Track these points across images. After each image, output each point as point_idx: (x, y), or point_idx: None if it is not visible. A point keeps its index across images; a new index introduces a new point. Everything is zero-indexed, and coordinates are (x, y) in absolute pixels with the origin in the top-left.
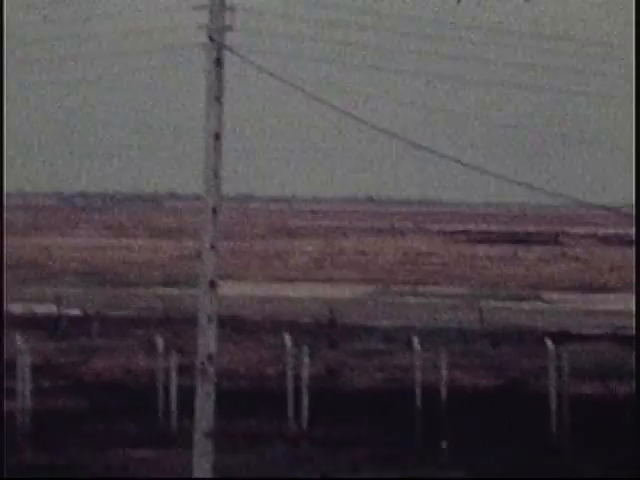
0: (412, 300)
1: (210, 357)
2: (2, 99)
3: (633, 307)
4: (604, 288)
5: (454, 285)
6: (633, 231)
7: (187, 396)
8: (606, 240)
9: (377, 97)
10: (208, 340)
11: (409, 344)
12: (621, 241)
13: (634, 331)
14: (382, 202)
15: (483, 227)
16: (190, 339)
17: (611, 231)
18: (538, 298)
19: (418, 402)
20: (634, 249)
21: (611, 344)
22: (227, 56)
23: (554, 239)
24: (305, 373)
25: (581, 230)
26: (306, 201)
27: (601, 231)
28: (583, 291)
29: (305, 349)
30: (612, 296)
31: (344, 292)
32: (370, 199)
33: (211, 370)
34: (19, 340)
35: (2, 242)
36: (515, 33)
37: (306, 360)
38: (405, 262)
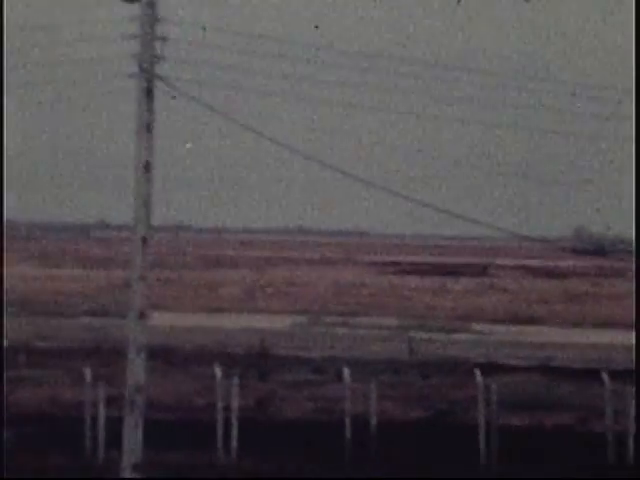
0: (343, 331)
1: (139, 388)
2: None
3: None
4: (532, 319)
5: (384, 316)
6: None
7: (115, 427)
8: (534, 272)
9: (312, 128)
10: (137, 371)
11: (340, 375)
12: (549, 273)
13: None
14: (313, 232)
15: (413, 258)
16: (119, 370)
17: (539, 263)
18: (467, 329)
19: (348, 433)
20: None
21: (539, 375)
22: (159, 86)
23: (483, 271)
24: (235, 404)
25: (510, 262)
26: (237, 231)
27: (530, 263)
28: (511, 322)
29: (235, 380)
30: (540, 328)
31: (275, 323)
32: (301, 229)
33: (139, 401)
34: None
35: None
36: (462, 69)
37: (236, 391)
38: (336, 293)
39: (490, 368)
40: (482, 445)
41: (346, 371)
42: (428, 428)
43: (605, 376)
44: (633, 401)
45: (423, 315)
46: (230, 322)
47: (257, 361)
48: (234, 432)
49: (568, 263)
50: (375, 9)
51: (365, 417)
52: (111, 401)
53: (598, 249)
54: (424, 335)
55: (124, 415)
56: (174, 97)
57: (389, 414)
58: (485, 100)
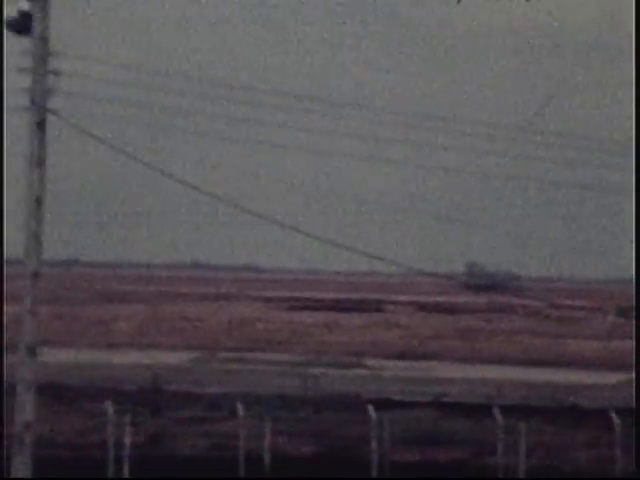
0: (237, 367)
1: (28, 425)
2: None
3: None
4: (425, 355)
5: (279, 352)
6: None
7: (3, 465)
8: (428, 307)
9: (207, 164)
10: (26, 408)
11: (234, 411)
12: (442, 309)
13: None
14: (208, 267)
15: (308, 294)
16: (8, 407)
17: (432, 299)
18: (361, 365)
19: (242, 469)
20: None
21: (432, 411)
22: (51, 120)
23: (377, 306)
24: (127, 441)
25: (403, 298)
26: (131, 266)
27: (423, 299)
28: (405, 358)
29: (127, 417)
30: (433, 363)
31: (169, 358)
32: (196, 264)
33: (28, 439)
34: None
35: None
36: (353, 105)
37: (128, 428)
38: (230, 328)
39: (383, 404)
40: None
41: (240, 407)
42: (321, 464)
43: (497, 411)
44: (523, 436)
45: (317, 351)
46: (123, 358)
47: (150, 397)
48: (125, 469)
49: (460, 299)
50: (275, 48)
51: (259, 453)
52: None
53: (490, 284)
54: (318, 371)
55: (13, 453)
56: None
57: (283, 450)
58: (375, 135)
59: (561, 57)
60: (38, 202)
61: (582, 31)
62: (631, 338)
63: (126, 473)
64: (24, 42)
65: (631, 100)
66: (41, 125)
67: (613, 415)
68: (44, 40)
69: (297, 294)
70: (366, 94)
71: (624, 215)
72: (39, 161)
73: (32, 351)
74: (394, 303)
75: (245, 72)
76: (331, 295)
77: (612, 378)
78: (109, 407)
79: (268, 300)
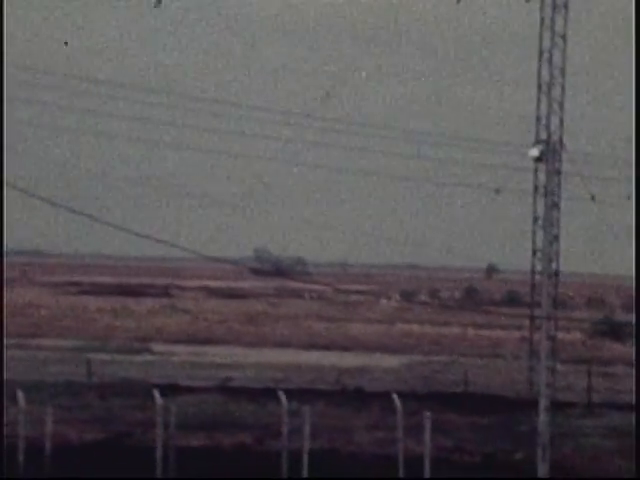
0: (19, 353)
1: None
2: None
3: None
4: (212, 340)
5: (62, 338)
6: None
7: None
8: (215, 292)
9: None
10: None
11: (14, 398)
12: (229, 294)
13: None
14: None
15: (94, 278)
16: None
17: (220, 284)
18: (147, 350)
19: (21, 457)
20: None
21: (218, 396)
22: None
23: (165, 291)
24: None
25: (192, 283)
26: None
27: (211, 284)
28: (192, 343)
29: None
30: (220, 348)
31: None
32: None
33: None
34: None
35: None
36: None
37: None
38: (11, 314)
39: (170, 389)
40: (159, 466)
41: (20, 394)
42: (105, 450)
43: (282, 395)
44: (308, 419)
45: (103, 336)
46: None
47: None
48: None
49: (248, 284)
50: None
51: (40, 441)
52: None
53: (277, 270)
54: (104, 357)
55: None
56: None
57: (65, 437)
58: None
59: (346, 44)
60: None
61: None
62: (414, 322)
63: None
64: None
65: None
66: None
67: (395, 398)
68: None
69: (85, 279)
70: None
71: (405, 202)
72: None
73: None
74: (183, 288)
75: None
76: (119, 280)
77: (395, 361)
78: None
79: (55, 285)
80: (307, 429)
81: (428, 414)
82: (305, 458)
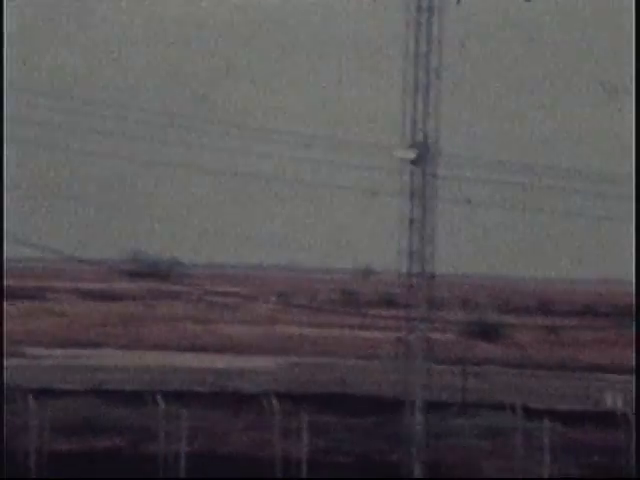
0: None
1: None
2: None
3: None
4: (87, 343)
5: None
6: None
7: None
8: (91, 295)
9: None
10: None
11: None
12: (105, 296)
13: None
14: None
15: None
16: None
17: (94, 286)
18: (21, 354)
19: None
20: (634, 323)
21: (93, 399)
22: None
23: (38, 294)
24: None
25: (67, 285)
26: None
27: (85, 286)
28: (66, 346)
29: None
30: (96, 351)
31: None
32: None
33: None
34: None
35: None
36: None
37: None
38: None
39: (44, 393)
40: (32, 471)
41: None
42: None
43: (158, 398)
44: (184, 422)
45: None
46: None
47: None
48: None
49: (124, 286)
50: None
51: None
52: None
53: (154, 272)
54: None
55: None
56: None
57: None
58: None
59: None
60: None
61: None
62: (291, 324)
63: None
64: None
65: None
66: None
67: (273, 400)
68: None
69: None
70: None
71: (282, 204)
72: None
73: None
74: (57, 290)
75: None
76: None
77: (272, 363)
78: None
79: None
80: (184, 432)
81: (303, 416)
82: (182, 461)
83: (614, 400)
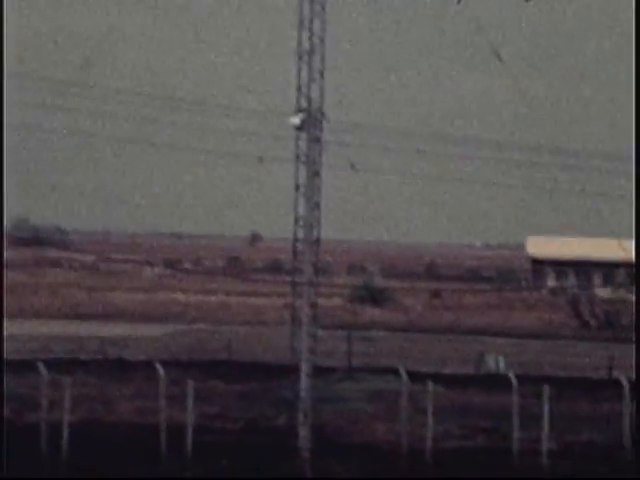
0: None
1: None
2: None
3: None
4: None
5: None
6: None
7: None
8: None
9: None
10: None
11: None
12: None
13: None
14: None
15: None
16: None
17: None
18: None
19: None
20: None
21: None
22: None
23: None
24: None
25: None
26: None
27: None
28: None
29: None
30: None
31: None
32: None
33: None
34: None
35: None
36: None
37: None
38: None
39: None
40: None
41: None
42: None
43: (41, 366)
44: (68, 391)
45: None
46: None
47: None
48: None
49: (8, 254)
50: None
51: None
52: None
53: (36, 238)
54: None
55: None
56: None
57: None
58: None
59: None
60: None
61: None
62: (177, 290)
63: None
64: None
65: None
66: None
67: (158, 366)
68: None
69: None
70: None
71: (167, 170)
72: None
73: None
74: None
75: None
76: None
77: (158, 330)
78: None
79: None
80: (67, 401)
81: (190, 382)
82: (65, 430)
83: (496, 363)
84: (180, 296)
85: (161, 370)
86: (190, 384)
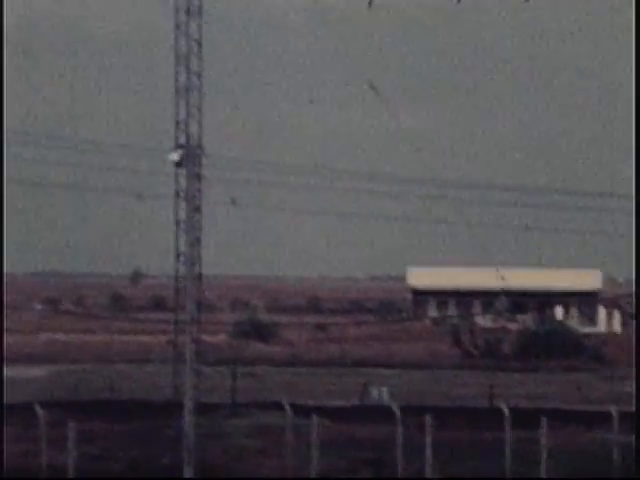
0: None
1: None
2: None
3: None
4: None
5: None
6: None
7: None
8: None
9: None
10: None
11: None
12: None
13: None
14: None
15: None
16: None
17: None
18: None
19: None
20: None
21: None
22: None
23: None
24: None
25: None
26: None
27: None
28: None
29: None
30: None
31: None
32: None
33: None
34: None
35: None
36: None
37: None
38: None
39: None
40: None
41: None
42: None
43: None
44: None
45: None
46: None
47: None
48: None
49: None
50: None
51: None
52: None
53: None
54: None
55: None
56: None
57: None
58: None
59: None
60: None
61: None
62: (58, 330)
63: None
64: None
65: None
66: None
67: (38, 409)
68: None
69: None
70: None
71: (51, 209)
72: None
73: None
74: None
75: None
76: None
77: (39, 371)
78: None
79: None
80: None
81: (71, 424)
82: None
83: (379, 394)
84: (61, 336)
85: (40, 412)
86: (71, 426)
